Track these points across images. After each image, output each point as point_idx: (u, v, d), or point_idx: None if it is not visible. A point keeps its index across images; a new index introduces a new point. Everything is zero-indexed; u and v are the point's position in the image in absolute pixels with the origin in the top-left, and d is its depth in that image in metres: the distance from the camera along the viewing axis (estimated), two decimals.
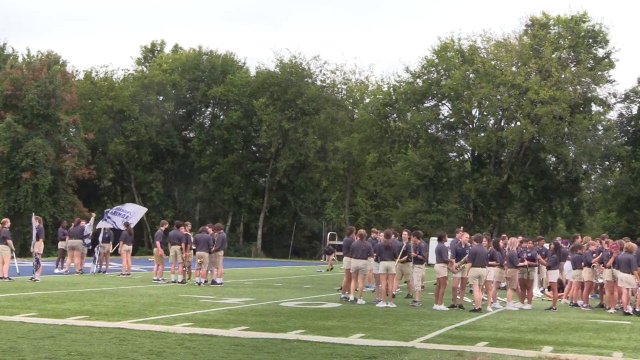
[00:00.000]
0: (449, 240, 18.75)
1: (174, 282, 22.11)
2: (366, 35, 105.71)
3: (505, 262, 18.21)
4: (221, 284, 21.77)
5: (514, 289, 18.32)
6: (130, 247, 25.29)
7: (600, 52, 47.54)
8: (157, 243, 23.21)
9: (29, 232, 28.62)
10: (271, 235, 58.35)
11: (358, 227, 26.86)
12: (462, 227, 20.60)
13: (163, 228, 23.62)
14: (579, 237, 22.30)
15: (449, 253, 17.58)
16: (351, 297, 17.89)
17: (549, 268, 18.73)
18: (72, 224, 26.26)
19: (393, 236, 18.14)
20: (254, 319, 13.53)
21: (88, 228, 25.77)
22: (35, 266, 20.98)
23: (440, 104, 50.94)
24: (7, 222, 21.34)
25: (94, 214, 27.90)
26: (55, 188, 44.08)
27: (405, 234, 18.66)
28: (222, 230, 22.69)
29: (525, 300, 18.57)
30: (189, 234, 23.11)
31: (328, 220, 54.79)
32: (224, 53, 58.99)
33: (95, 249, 26.06)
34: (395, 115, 51.42)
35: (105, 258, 26.16)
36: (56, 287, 19.01)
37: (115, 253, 26.55)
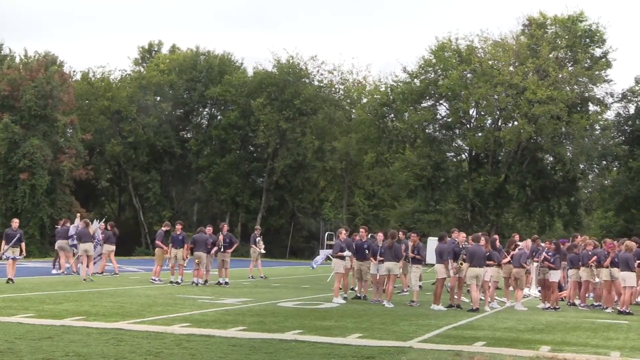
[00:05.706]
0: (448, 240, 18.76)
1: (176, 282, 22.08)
2: (363, 35, 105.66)
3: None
4: (227, 284, 21.78)
5: (522, 289, 18.37)
6: (113, 246, 25.28)
7: (597, 52, 47.47)
8: (158, 243, 23.15)
9: (27, 233, 28.64)
10: (269, 235, 58.17)
11: (356, 227, 26.85)
12: (456, 230, 20.63)
13: (165, 229, 23.55)
14: (578, 236, 22.30)
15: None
16: (340, 299, 17.81)
17: (551, 269, 18.74)
18: (59, 225, 26.13)
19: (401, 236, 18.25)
20: (251, 319, 13.52)
21: (72, 228, 25.65)
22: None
23: (437, 103, 50.86)
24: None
25: (79, 214, 27.80)
26: (53, 189, 44.03)
27: (362, 231, 19.15)
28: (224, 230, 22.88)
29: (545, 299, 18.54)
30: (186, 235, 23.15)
31: (326, 220, 54.72)
32: (221, 53, 59.04)
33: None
34: (392, 115, 51.36)
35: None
36: (54, 288, 19.00)
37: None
